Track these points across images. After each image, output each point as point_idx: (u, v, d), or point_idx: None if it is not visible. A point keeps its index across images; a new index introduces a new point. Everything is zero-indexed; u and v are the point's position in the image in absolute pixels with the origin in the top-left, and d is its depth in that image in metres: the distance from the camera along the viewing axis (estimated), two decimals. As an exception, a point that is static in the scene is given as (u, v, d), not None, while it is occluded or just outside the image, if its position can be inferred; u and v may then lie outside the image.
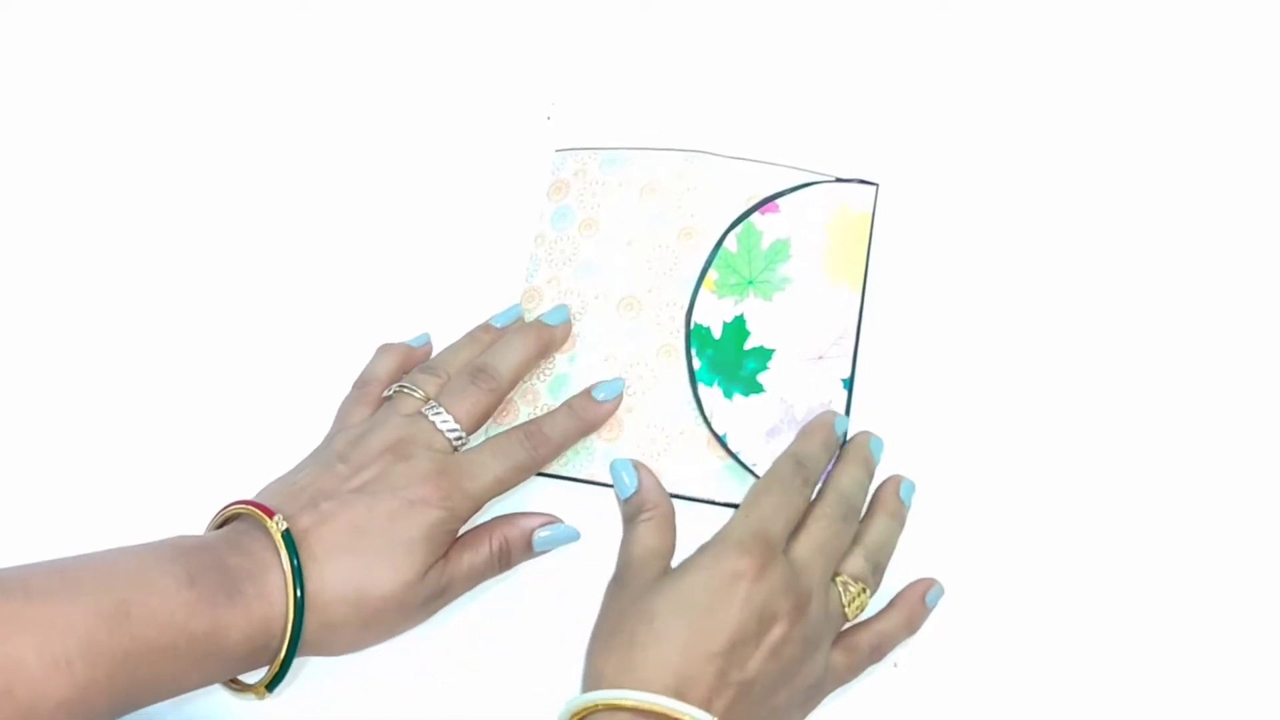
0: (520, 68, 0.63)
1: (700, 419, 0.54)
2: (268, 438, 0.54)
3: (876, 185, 0.58)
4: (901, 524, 0.52)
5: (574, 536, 0.53)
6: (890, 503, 0.52)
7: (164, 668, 0.43)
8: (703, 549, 0.48)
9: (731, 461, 0.54)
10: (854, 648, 0.49)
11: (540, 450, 0.52)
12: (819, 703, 0.49)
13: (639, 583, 0.48)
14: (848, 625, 0.50)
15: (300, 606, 0.46)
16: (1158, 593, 0.52)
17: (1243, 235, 0.57)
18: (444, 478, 0.49)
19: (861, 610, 0.49)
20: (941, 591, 0.51)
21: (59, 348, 0.59)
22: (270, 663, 0.47)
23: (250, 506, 0.48)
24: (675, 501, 0.53)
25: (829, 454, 0.52)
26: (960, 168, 0.59)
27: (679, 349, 0.56)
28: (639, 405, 0.55)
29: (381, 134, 0.62)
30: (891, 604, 0.51)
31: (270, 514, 0.47)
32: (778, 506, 0.49)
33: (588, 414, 0.54)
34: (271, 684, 0.47)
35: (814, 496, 0.51)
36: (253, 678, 0.48)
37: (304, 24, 0.65)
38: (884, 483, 0.52)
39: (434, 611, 0.51)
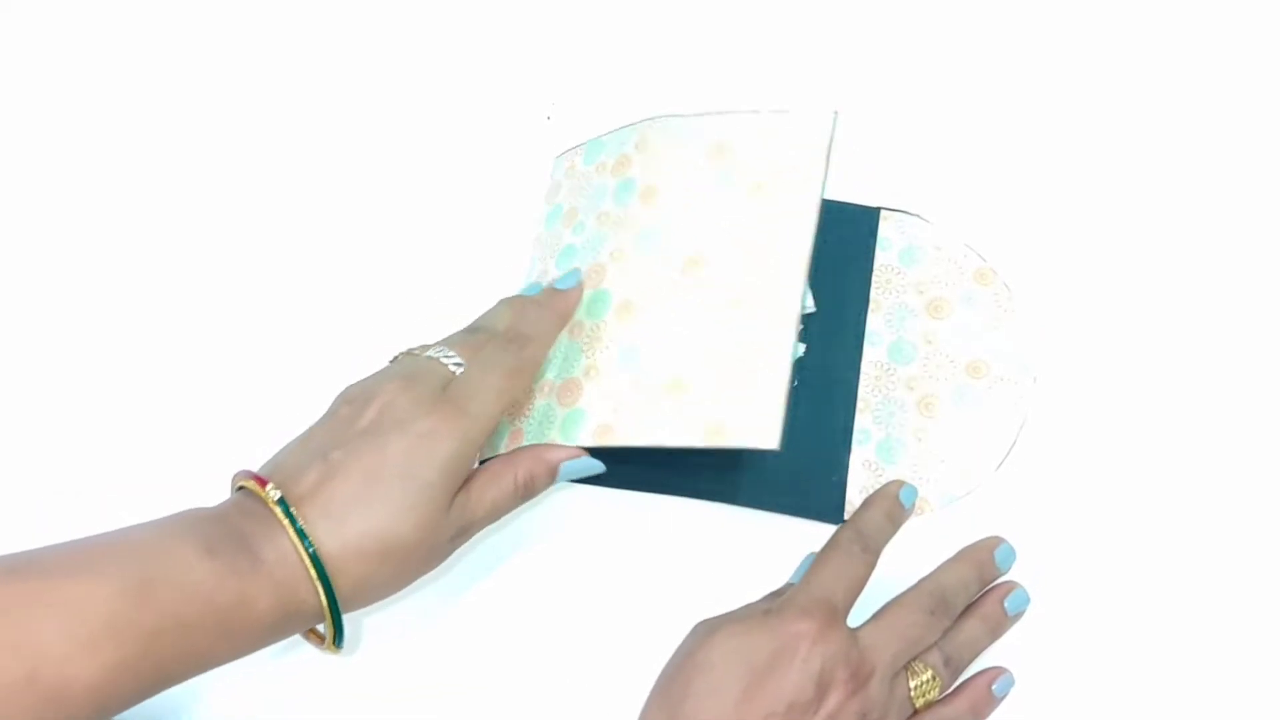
0: (520, 68, 0.63)
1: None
2: (264, 439, 0.54)
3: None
4: (994, 632, 0.50)
5: (599, 468, 0.52)
6: (990, 609, 0.50)
7: (193, 642, 0.42)
8: (766, 610, 0.47)
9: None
10: None
11: (526, 350, 0.51)
12: None
13: (714, 622, 0.47)
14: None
15: (320, 569, 0.44)
16: (1154, 594, 0.52)
17: (1243, 233, 0.58)
18: (448, 404, 0.48)
19: (927, 701, 0.47)
20: (1011, 682, 0.50)
21: (70, 339, 0.60)
22: (302, 629, 0.46)
23: (248, 478, 0.46)
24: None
25: (893, 524, 0.50)
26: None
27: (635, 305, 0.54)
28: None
29: (384, 136, 0.62)
30: (958, 690, 0.49)
31: (263, 483, 0.46)
32: (837, 574, 0.47)
33: (556, 302, 0.53)
34: (336, 641, 0.46)
35: (912, 586, 0.49)
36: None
37: (306, 26, 0.65)
38: (995, 585, 0.50)
39: (459, 546, 0.49)
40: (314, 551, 0.44)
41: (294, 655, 0.52)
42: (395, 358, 0.52)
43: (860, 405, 0.55)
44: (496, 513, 0.50)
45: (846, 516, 0.53)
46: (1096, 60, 0.61)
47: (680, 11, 0.63)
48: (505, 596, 0.53)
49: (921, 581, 0.49)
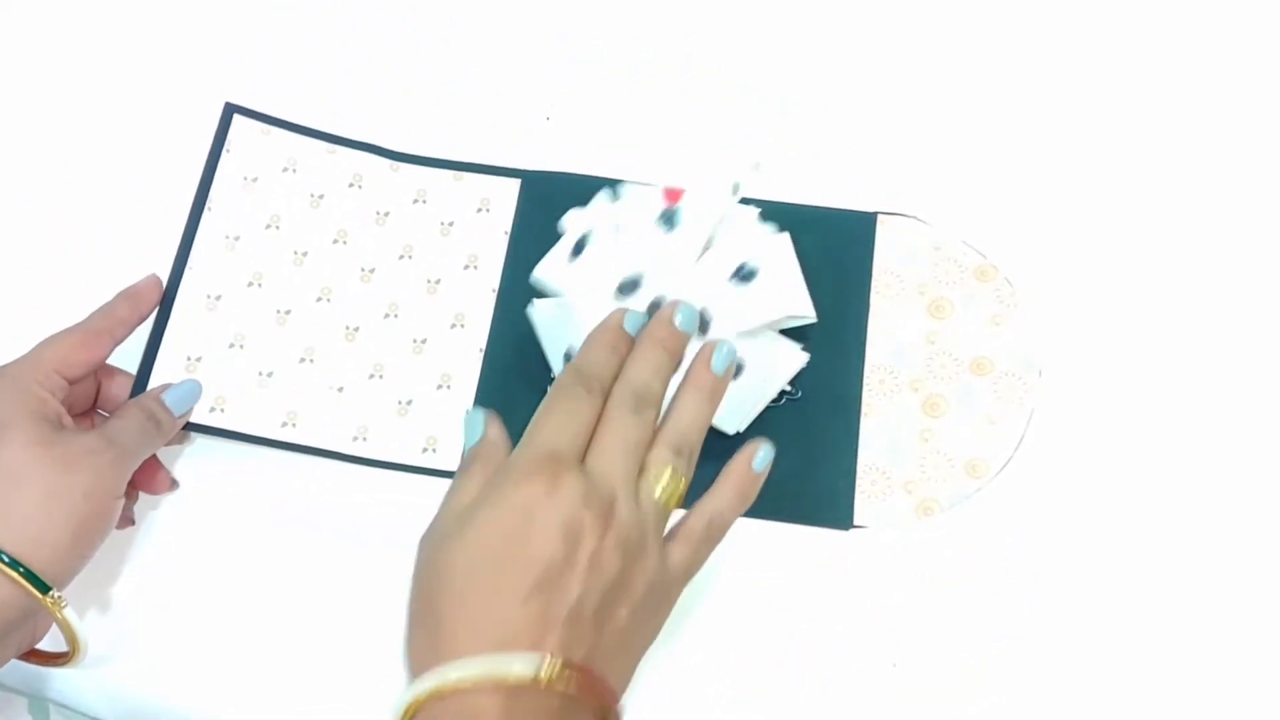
0: (520, 69, 0.63)
1: None
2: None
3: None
4: (712, 398, 0.46)
5: (196, 388, 0.55)
6: (698, 376, 0.46)
7: None
8: (487, 485, 0.43)
9: None
10: (687, 535, 0.44)
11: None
12: (670, 608, 0.44)
13: (434, 527, 0.44)
14: (676, 517, 0.45)
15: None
16: (1164, 590, 0.52)
17: (1243, 223, 0.57)
18: None
19: (678, 496, 0.44)
20: (771, 452, 0.46)
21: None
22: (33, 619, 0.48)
23: None
24: None
25: (618, 356, 0.46)
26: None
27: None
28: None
29: (383, 135, 0.62)
30: (721, 479, 0.46)
31: None
32: (561, 421, 0.44)
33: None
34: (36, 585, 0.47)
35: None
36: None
37: (313, 29, 0.65)
38: (696, 354, 0.46)
39: (119, 473, 0.50)
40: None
41: (290, 657, 0.53)
42: None
43: (864, 409, 0.56)
44: (129, 442, 0.51)
45: (855, 522, 0.54)
46: (1091, 56, 0.61)
47: (678, 13, 0.63)
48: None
49: (613, 386, 0.45)
